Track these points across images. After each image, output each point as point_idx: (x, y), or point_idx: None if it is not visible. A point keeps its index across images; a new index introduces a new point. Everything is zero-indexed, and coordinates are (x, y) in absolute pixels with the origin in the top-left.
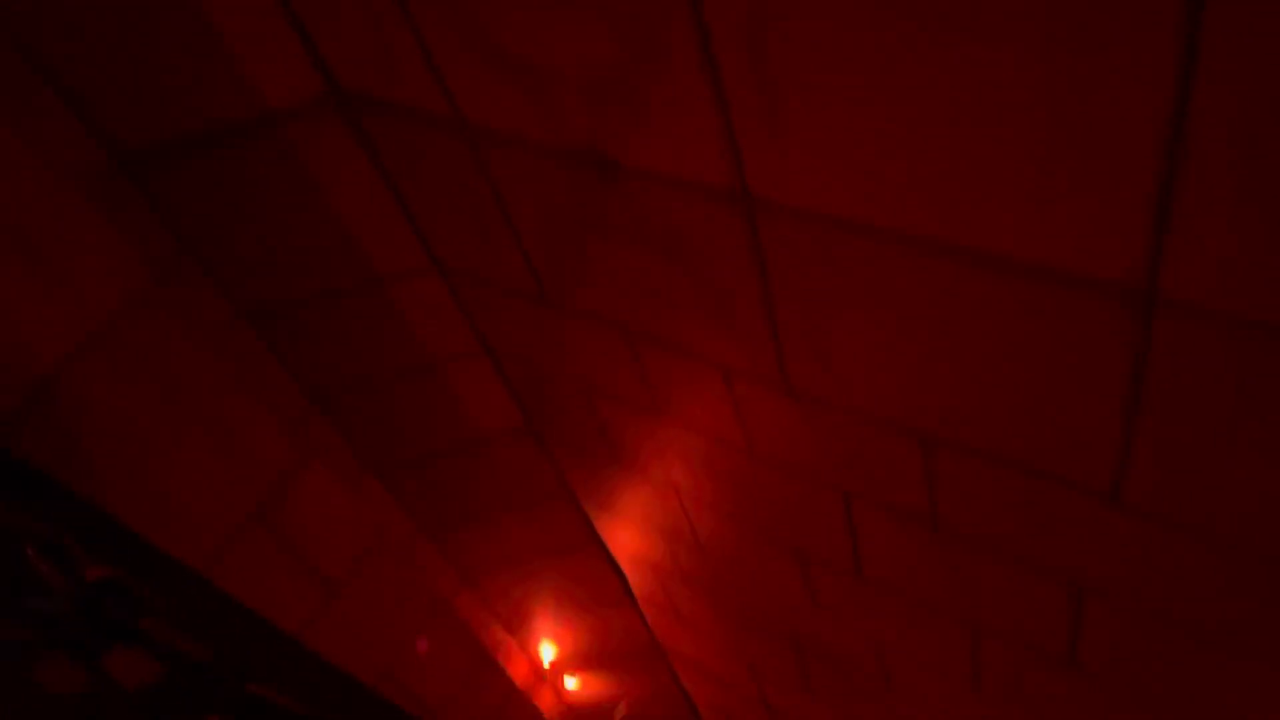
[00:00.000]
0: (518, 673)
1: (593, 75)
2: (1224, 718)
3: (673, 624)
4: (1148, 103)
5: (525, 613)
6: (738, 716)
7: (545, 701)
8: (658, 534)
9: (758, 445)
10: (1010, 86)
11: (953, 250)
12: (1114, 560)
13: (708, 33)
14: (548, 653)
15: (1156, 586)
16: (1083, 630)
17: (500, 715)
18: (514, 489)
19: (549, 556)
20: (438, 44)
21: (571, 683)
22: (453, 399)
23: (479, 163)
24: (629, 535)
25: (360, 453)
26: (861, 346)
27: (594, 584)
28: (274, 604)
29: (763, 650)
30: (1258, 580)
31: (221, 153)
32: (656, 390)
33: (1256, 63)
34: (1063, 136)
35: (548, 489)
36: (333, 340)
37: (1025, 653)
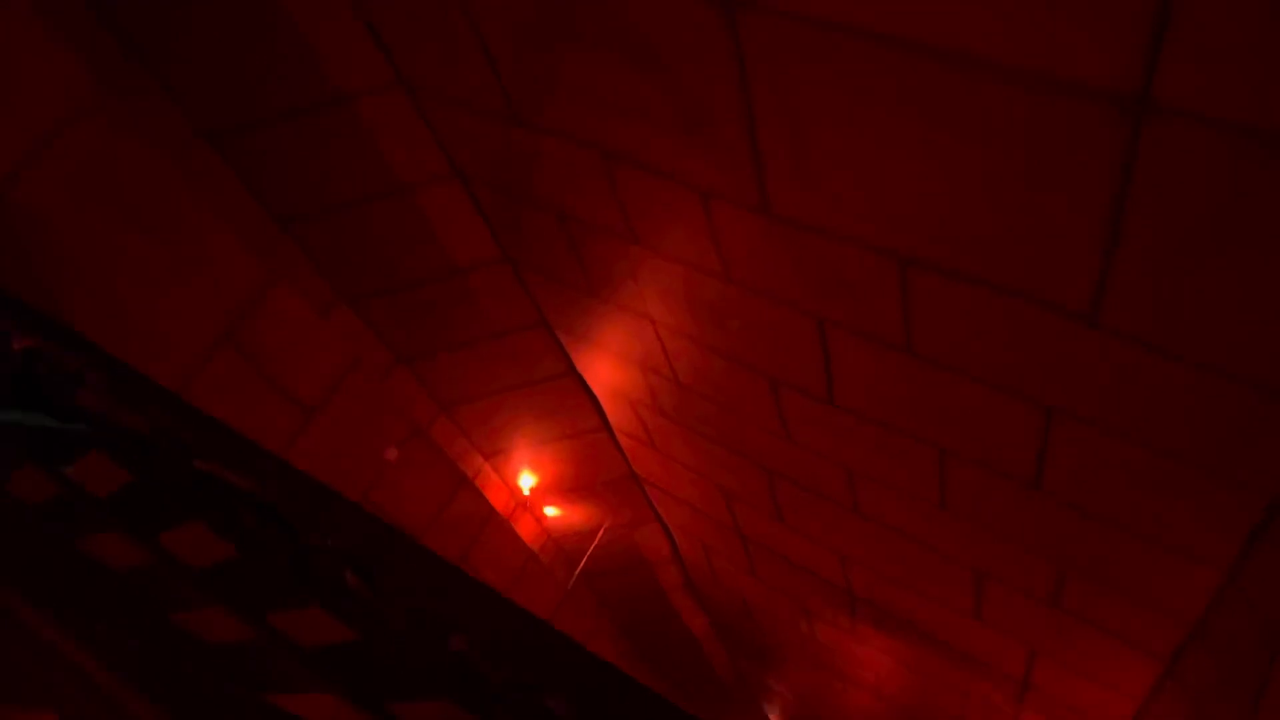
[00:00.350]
0: (497, 499)
1: None
2: (1181, 538)
3: (649, 454)
4: None
5: (504, 442)
6: (711, 544)
7: (526, 528)
8: (634, 365)
9: (735, 271)
10: None
11: (941, 54)
12: (1087, 382)
13: None
14: (527, 481)
15: (1127, 407)
16: (1049, 452)
17: (479, 538)
18: (490, 318)
19: (527, 387)
20: None
21: (552, 511)
22: (425, 225)
23: None
24: (606, 366)
25: (331, 278)
26: (843, 162)
27: (572, 414)
28: (248, 428)
29: (735, 478)
30: (1227, 398)
31: None
32: (632, 215)
33: None
34: None
35: (524, 319)
36: (298, 162)
37: (991, 475)
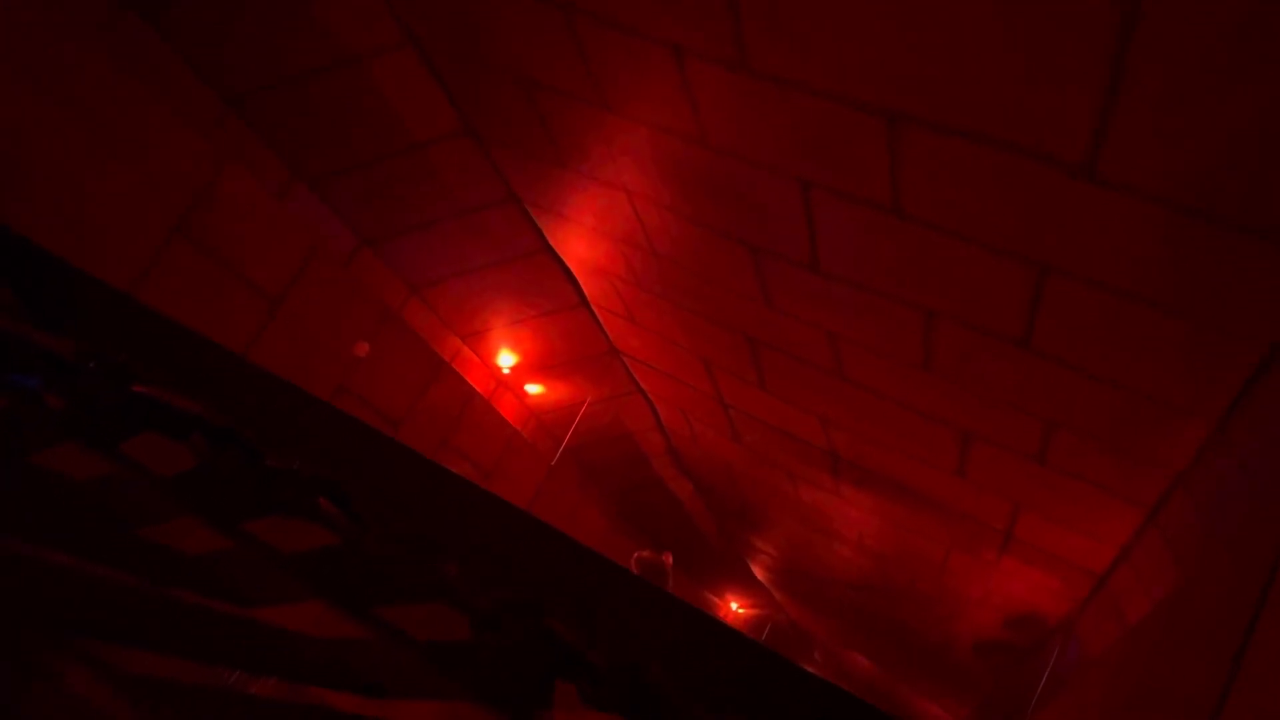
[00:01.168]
0: (477, 380)
1: None
2: (1171, 391)
3: (628, 327)
4: None
5: (480, 322)
6: (693, 413)
7: (508, 406)
8: (609, 238)
9: (711, 133)
10: None
11: None
12: (1081, 237)
13: None
14: (506, 360)
15: (1122, 261)
16: (1040, 310)
17: (461, 418)
18: (456, 194)
19: (499, 265)
20: None
21: (534, 389)
22: (380, 98)
23: None
24: (581, 240)
25: (286, 158)
26: (825, 9)
27: (548, 291)
28: (212, 322)
29: (717, 348)
30: (1226, 248)
31: None
32: (600, 77)
33: None
34: None
35: (492, 194)
36: (239, 33)
37: (979, 335)
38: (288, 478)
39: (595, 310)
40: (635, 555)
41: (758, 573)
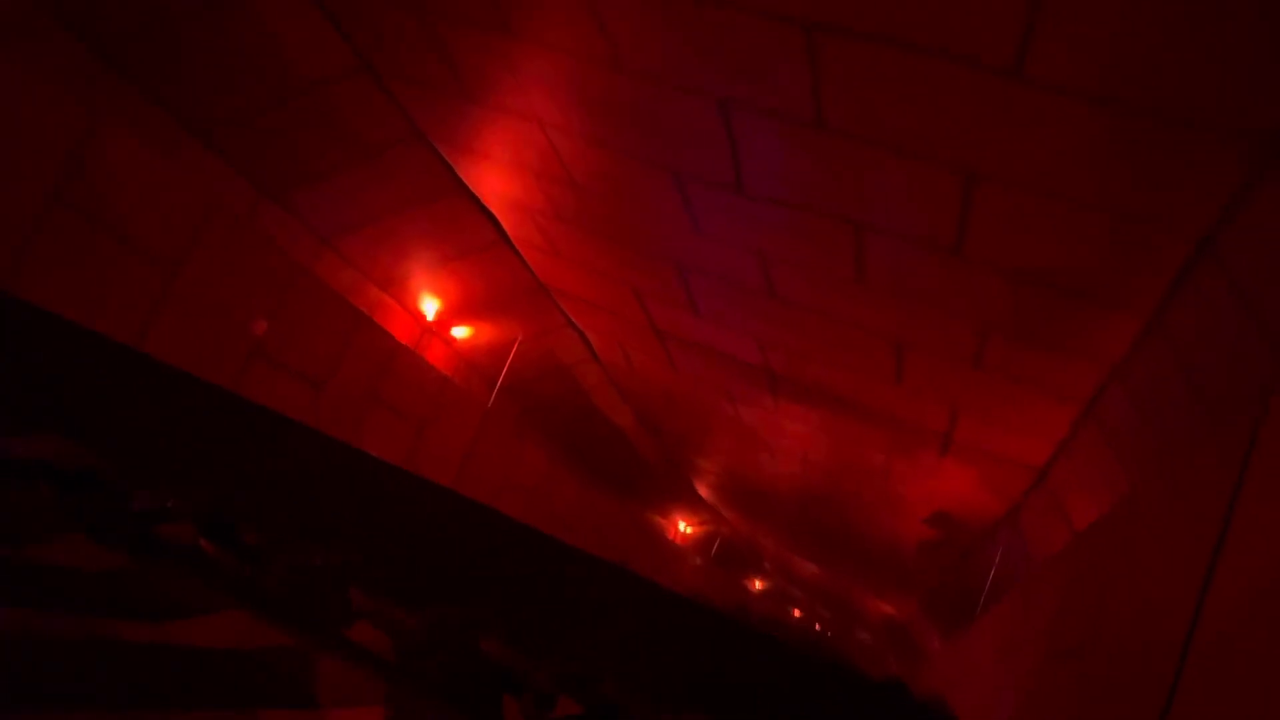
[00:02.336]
0: (402, 329)
1: None
2: (1105, 286)
3: (554, 262)
4: None
5: (398, 269)
6: (628, 343)
7: (436, 353)
8: (525, 172)
9: (625, 57)
10: None
11: None
12: (1009, 140)
13: None
14: (430, 306)
15: (1051, 162)
16: (971, 217)
17: (387, 370)
18: (358, 137)
19: (413, 208)
20: None
21: (461, 332)
22: (268, 38)
23: None
24: (495, 176)
25: (174, 112)
26: None
27: (466, 231)
28: (105, 297)
29: (646, 276)
30: (1155, 140)
31: None
32: (504, 1)
33: None
34: None
35: (396, 133)
36: None
37: (910, 245)
38: (158, 517)
39: (518, 247)
40: None
41: (703, 492)
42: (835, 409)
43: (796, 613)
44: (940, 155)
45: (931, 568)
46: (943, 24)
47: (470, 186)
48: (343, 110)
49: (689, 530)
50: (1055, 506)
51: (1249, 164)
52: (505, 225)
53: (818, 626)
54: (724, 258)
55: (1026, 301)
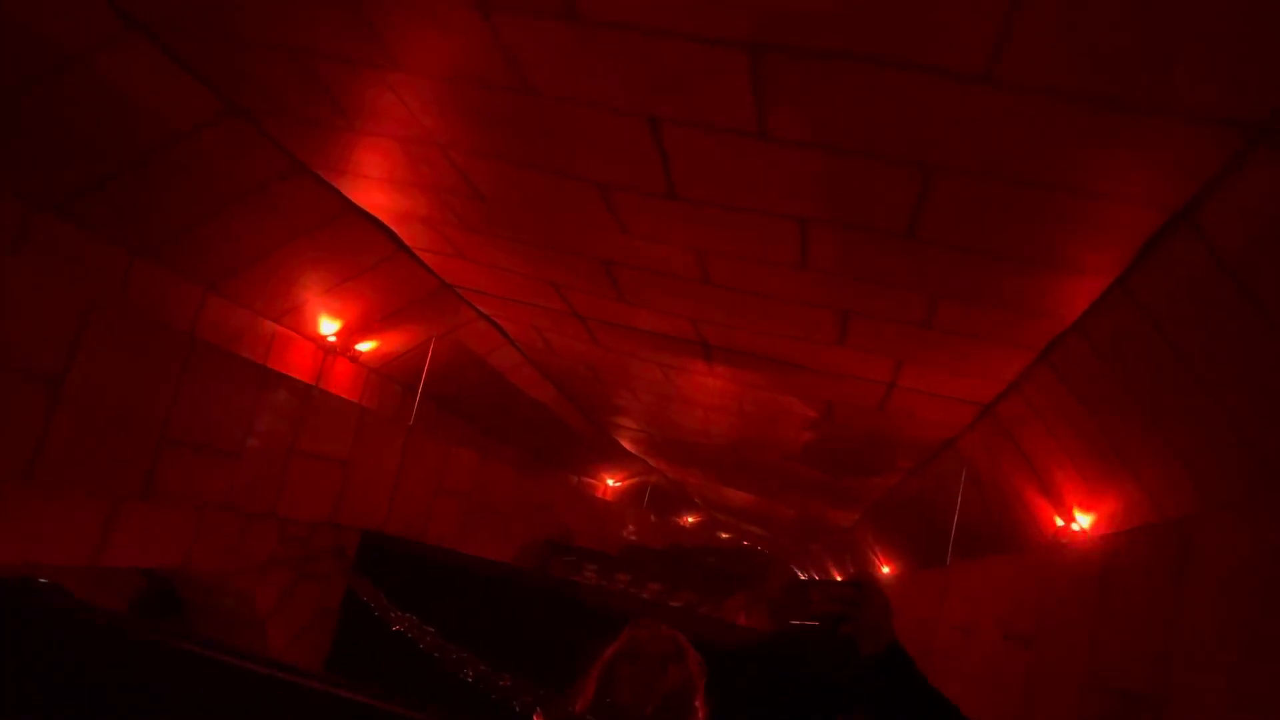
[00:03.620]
0: (302, 355)
1: None
2: (1068, 256)
3: (459, 264)
4: None
5: (292, 298)
6: (546, 328)
7: (343, 372)
8: (425, 190)
9: (536, 81)
10: None
11: None
12: (973, 138)
13: None
14: (329, 327)
15: (1014, 152)
16: (925, 206)
17: (303, 419)
18: (235, 177)
19: (300, 236)
20: None
21: (365, 346)
22: (116, 97)
23: None
24: (389, 196)
25: (19, 193)
26: None
27: (361, 249)
28: None
29: (566, 272)
30: (1130, 132)
31: None
32: (388, 40)
33: None
34: None
35: (276, 169)
36: None
37: (859, 233)
38: None
39: (418, 255)
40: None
41: (630, 447)
42: (773, 369)
43: (724, 535)
44: (898, 155)
45: (873, 490)
46: (912, 39)
47: (362, 206)
48: (214, 155)
49: (617, 485)
50: (1003, 433)
51: (1230, 151)
52: (403, 236)
53: (745, 543)
54: (655, 254)
55: (982, 273)
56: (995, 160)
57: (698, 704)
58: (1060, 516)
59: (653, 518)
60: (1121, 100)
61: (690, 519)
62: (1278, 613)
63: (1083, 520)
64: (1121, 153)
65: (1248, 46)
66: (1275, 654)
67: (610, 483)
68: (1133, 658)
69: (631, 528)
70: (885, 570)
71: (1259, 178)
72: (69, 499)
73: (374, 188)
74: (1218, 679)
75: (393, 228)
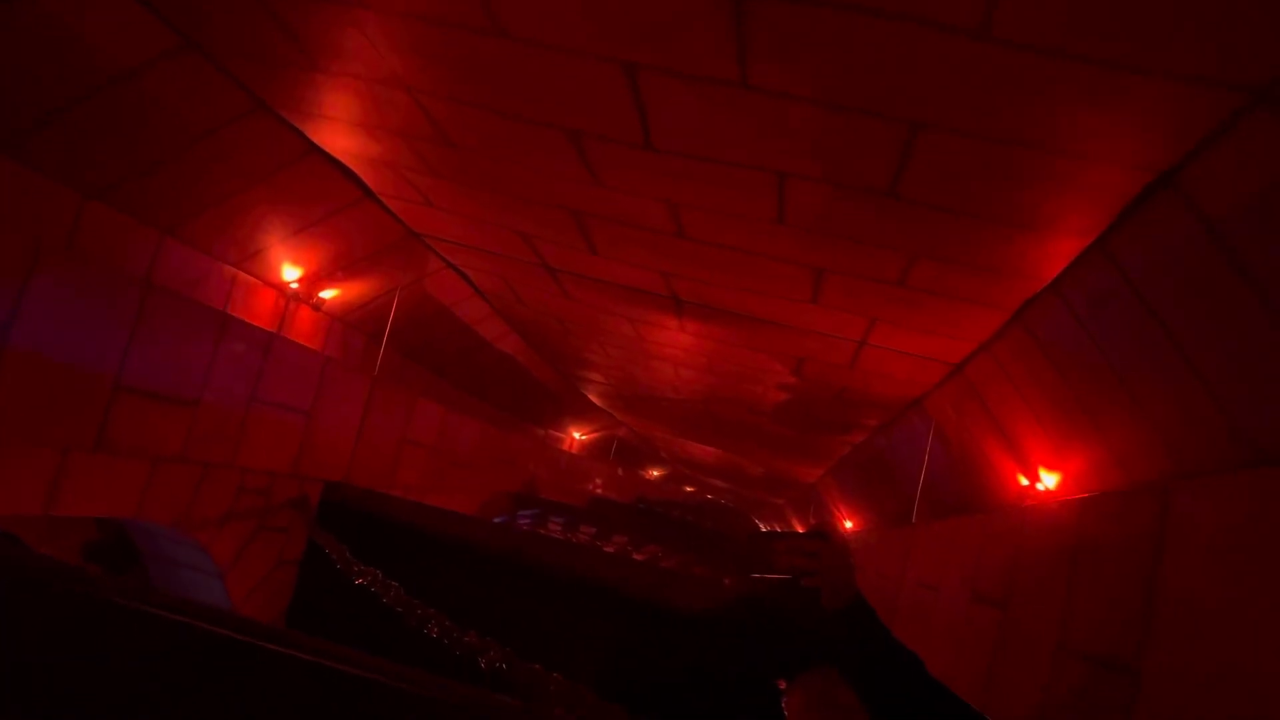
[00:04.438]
0: (263, 303)
1: None
2: (1047, 217)
3: (426, 212)
4: None
5: (254, 244)
6: (515, 280)
7: (305, 320)
8: (391, 133)
9: (507, 23)
10: None
11: None
12: (963, 93)
13: None
14: (292, 274)
15: (1003, 111)
16: (910, 163)
17: (263, 368)
18: (192, 116)
19: (261, 179)
20: None
21: (329, 294)
22: (64, 28)
23: None
24: (355, 139)
25: None
26: None
27: (324, 194)
28: None
29: (535, 223)
30: (1109, 87)
31: None
32: None
33: None
34: None
35: (236, 108)
36: None
37: (841, 190)
38: None
39: (385, 201)
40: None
41: (597, 400)
42: (745, 326)
43: (688, 489)
44: (885, 110)
45: (840, 447)
46: None
47: (326, 150)
48: (168, 93)
49: (584, 438)
50: (972, 392)
51: (1226, 112)
52: (369, 181)
53: (709, 496)
54: (628, 206)
55: (961, 233)
56: (983, 117)
57: None
58: (1025, 475)
59: (619, 471)
60: (1117, 59)
61: (656, 473)
62: (1258, 580)
63: (1048, 480)
64: (1112, 112)
65: (1253, 10)
66: (1254, 621)
67: (577, 436)
68: (1109, 624)
69: (598, 481)
70: (848, 525)
71: (1255, 141)
72: (18, 448)
73: (339, 130)
74: (1198, 646)
75: (358, 173)
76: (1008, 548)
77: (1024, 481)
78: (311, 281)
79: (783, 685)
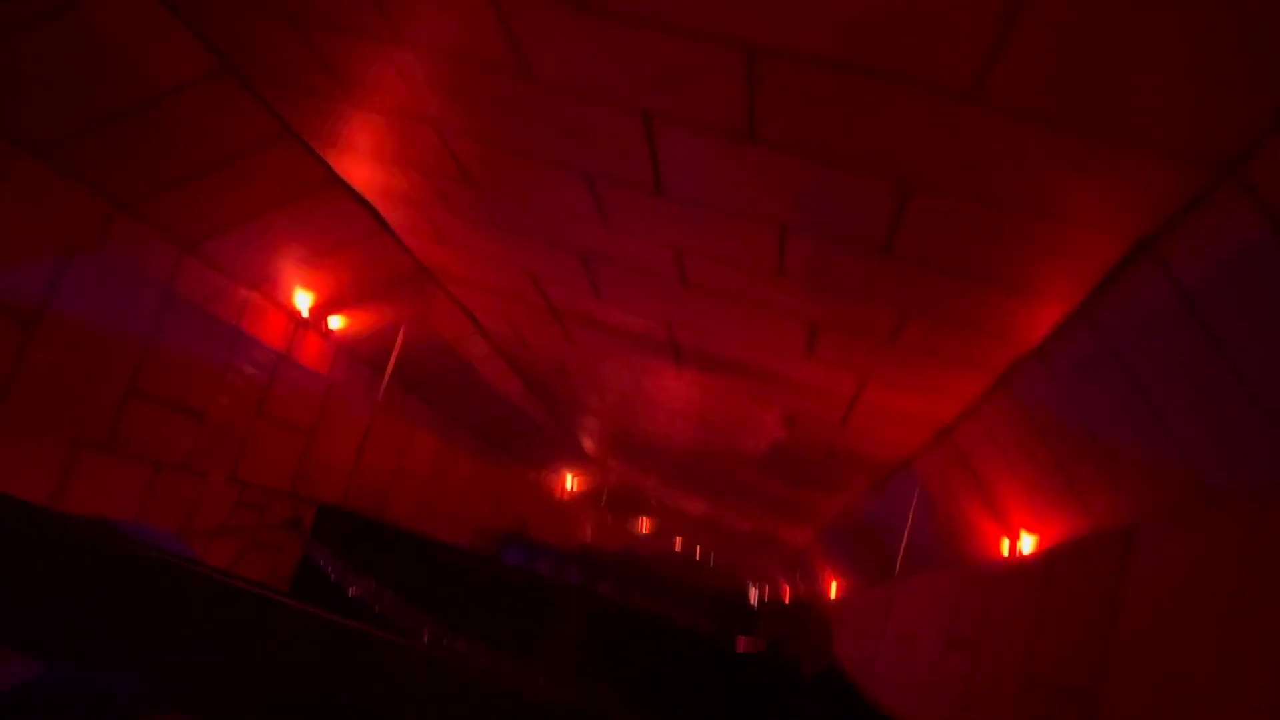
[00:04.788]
0: (274, 326)
1: None
2: (1032, 281)
3: (438, 248)
4: None
5: (270, 267)
6: (520, 321)
7: (313, 347)
8: (413, 169)
9: (536, 67)
10: None
11: None
12: (956, 155)
13: None
14: (304, 300)
15: (992, 173)
16: (904, 220)
17: (270, 386)
18: (222, 138)
19: (282, 205)
20: None
21: (337, 322)
22: (108, 45)
23: None
24: (376, 172)
25: (6, 132)
26: None
27: (340, 224)
28: None
29: (544, 263)
30: (1102, 160)
31: None
32: (391, 10)
33: None
34: None
35: (265, 133)
36: None
37: (837, 244)
38: None
39: (399, 235)
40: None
41: (591, 447)
42: (741, 376)
43: (678, 543)
44: (881, 167)
45: (829, 508)
46: (903, 51)
47: (347, 181)
48: (204, 113)
49: (576, 483)
50: (957, 459)
51: (1199, 185)
52: (385, 215)
53: (699, 553)
54: (634, 250)
55: (952, 292)
56: (973, 178)
57: None
58: (1008, 538)
59: (609, 519)
60: (1096, 128)
61: (646, 525)
62: (1207, 608)
63: (1027, 542)
64: (1096, 179)
65: (1220, 87)
66: (1203, 645)
67: (569, 480)
68: (1068, 653)
69: (588, 527)
70: (833, 585)
71: (1224, 214)
72: (33, 440)
73: (361, 162)
74: (1151, 667)
75: (375, 205)
76: (981, 595)
77: (1005, 545)
78: (321, 308)
79: None
